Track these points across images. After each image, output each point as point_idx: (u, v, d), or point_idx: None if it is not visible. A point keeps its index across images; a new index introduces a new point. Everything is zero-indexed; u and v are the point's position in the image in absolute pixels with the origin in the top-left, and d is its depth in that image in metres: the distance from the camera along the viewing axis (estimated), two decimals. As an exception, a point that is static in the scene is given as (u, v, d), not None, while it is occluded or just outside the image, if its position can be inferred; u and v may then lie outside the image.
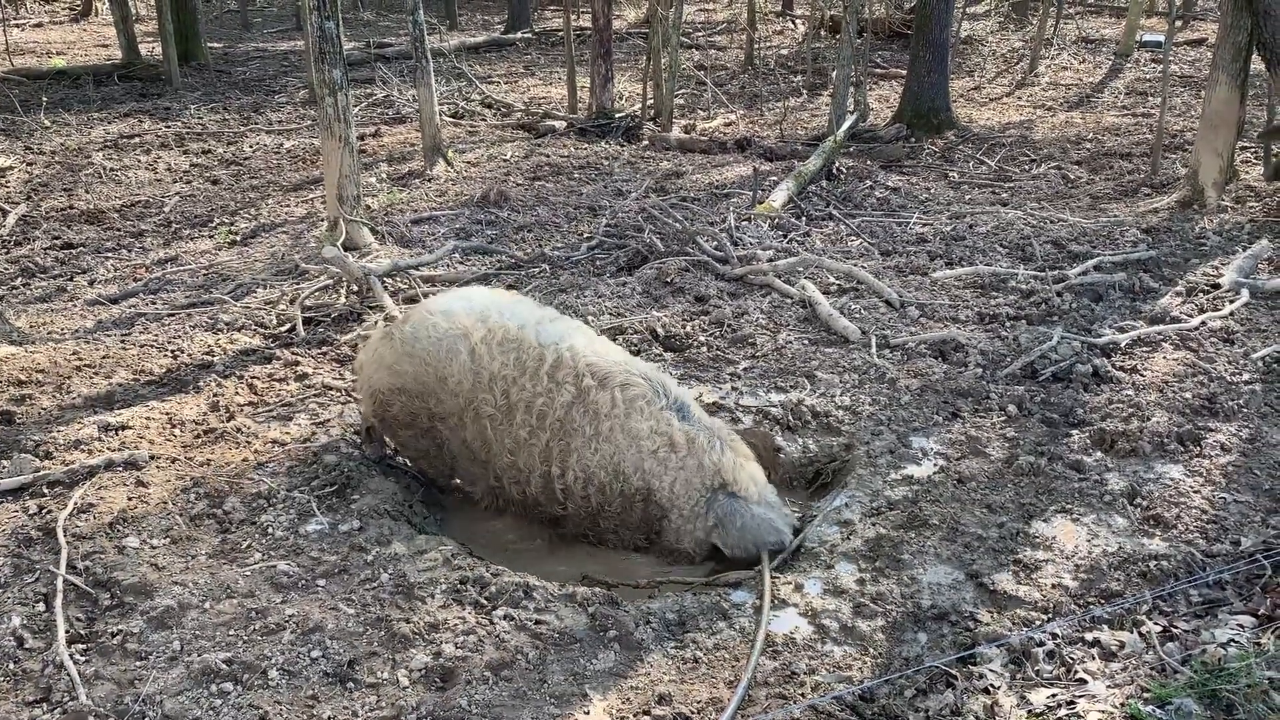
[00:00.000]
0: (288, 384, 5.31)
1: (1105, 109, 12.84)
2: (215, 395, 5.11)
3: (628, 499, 3.91)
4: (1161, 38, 13.79)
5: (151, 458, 4.44)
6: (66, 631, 3.32)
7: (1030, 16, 18.34)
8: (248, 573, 3.66)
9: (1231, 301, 6.05)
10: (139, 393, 5.19)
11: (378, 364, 4.28)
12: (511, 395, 3.98)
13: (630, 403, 3.93)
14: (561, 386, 3.94)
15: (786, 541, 3.90)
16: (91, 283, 7.30)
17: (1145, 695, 2.99)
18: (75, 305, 6.77)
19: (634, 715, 3.05)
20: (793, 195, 8.75)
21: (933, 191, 9.40)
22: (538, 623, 3.45)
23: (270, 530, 3.94)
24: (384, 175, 10.12)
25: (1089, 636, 3.30)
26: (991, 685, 3.11)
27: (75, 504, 4.04)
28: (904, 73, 12.84)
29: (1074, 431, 4.72)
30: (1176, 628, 3.33)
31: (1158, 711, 2.90)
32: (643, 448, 3.88)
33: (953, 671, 3.16)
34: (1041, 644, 3.27)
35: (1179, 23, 16.43)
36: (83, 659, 3.22)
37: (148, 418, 4.82)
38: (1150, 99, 12.90)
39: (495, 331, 4.07)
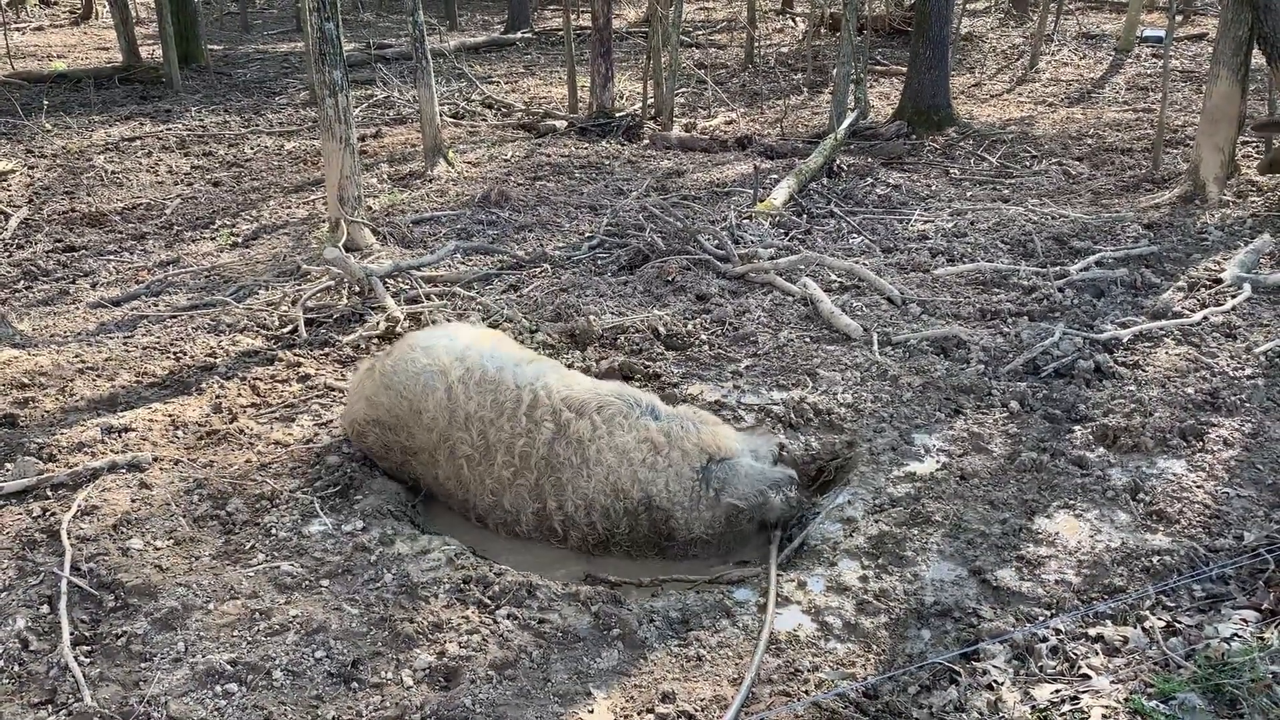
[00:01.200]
0: (290, 385, 5.32)
1: (1106, 104, 12.82)
2: (218, 397, 5.11)
3: (633, 514, 3.92)
4: (1162, 33, 13.78)
5: (154, 459, 4.45)
6: (71, 633, 3.33)
7: (1030, 12, 18.32)
8: (251, 573, 3.67)
9: (1233, 296, 6.04)
10: (142, 395, 5.20)
11: (358, 395, 4.38)
12: (490, 436, 4.03)
13: (610, 421, 4.01)
14: (541, 425, 4.00)
15: (794, 475, 4.08)
16: (94, 285, 7.31)
17: (1149, 690, 2.99)
18: (78, 308, 6.78)
19: (638, 713, 3.06)
20: (794, 193, 8.74)
21: (934, 188, 9.40)
22: (541, 622, 3.46)
23: (273, 531, 3.94)
24: (385, 176, 10.12)
25: (1092, 632, 3.30)
26: (995, 681, 3.11)
27: (79, 506, 4.04)
28: (904, 69, 12.83)
29: (1076, 427, 4.72)
30: (1180, 623, 3.33)
31: (1161, 706, 2.90)
32: (633, 459, 3.94)
33: (956, 668, 3.17)
34: (1045, 639, 3.27)
35: (1179, 17, 16.41)
36: (87, 661, 3.23)
37: (151, 420, 4.83)
38: (1151, 94, 12.89)
39: (473, 371, 4.14)
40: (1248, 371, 5.16)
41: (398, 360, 4.28)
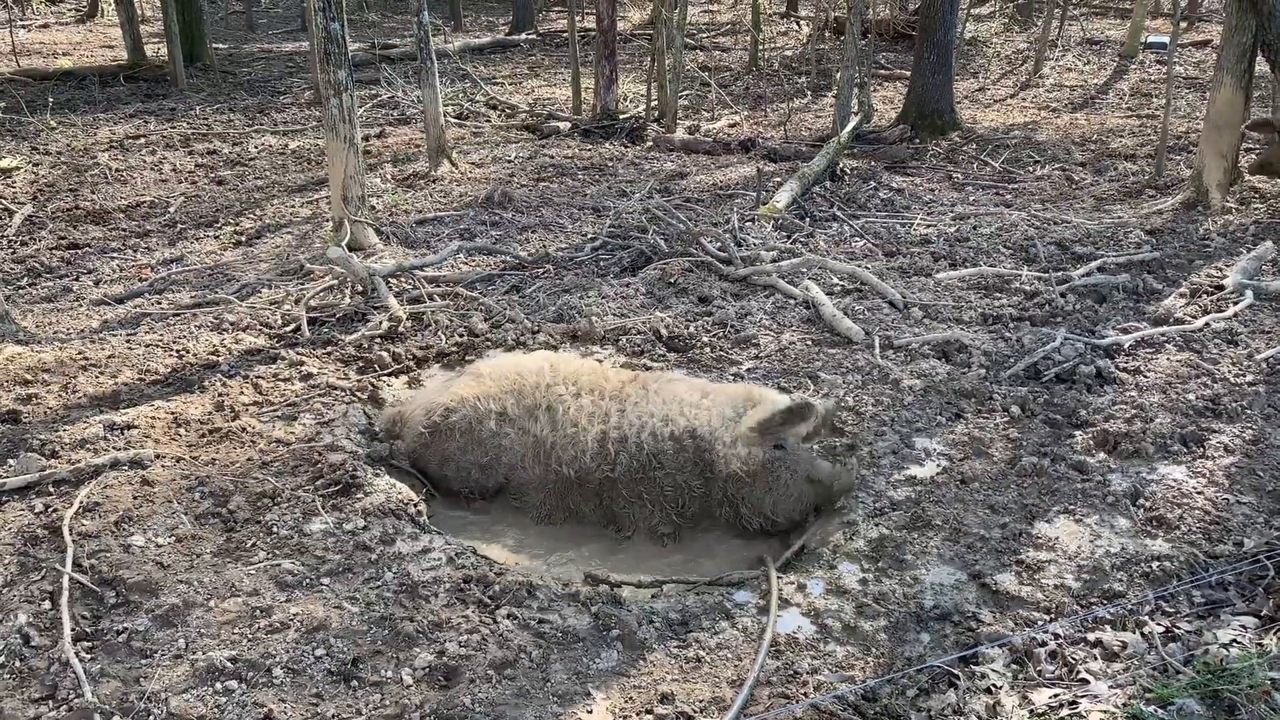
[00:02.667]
0: (292, 384, 5.33)
1: (1109, 110, 12.83)
2: (220, 395, 5.12)
3: (678, 440, 4.19)
4: (1166, 39, 13.78)
5: (157, 457, 4.46)
6: (72, 629, 3.33)
7: (1035, 18, 18.33)
8: (252, 571, 3.67)
9: (1235, 303, 6.05)
10: (144, 392, 5.20)
11: (464, 379, 4.71)
12: (581, 382, 4.50)
13: (670, 381, 4.56)
14: (619, 375, 4.60)
15: (811, 401, 4.21)
16: (97, 283, 7.32)
17: (1147, 696, 2.99)
18: (81, 305, 6.79)
19: (637, 714, 3.06)
20: (796, 196, 8.75)
21: (937, 192, 9.40)
22: (541, 622, 3.46)
23: (275, 529, 3.95)
24: (389, 176, 10.14)
25: (1091, 637, 3.31)
26: (994, 685, 3.11)
27: (81, 502, 4.05)
28: (908, 74, 12.85)
29: (1077, 432, 4.73)
30: (1179, 628, 3.33)
31: (1160, 712, 2.90)
32: (683, 400, 4.34)
33: (955, 671, 3.17)
34: (1044, 644, 3.28)
35: (1184, 24, 16.41)
36: (88, 657, 3.23)
37: (153, 417, 4.84)
38: (1155, 100, 12.90)
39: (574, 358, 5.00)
40: (1249, 378, 5.16)
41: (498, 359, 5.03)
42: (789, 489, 4.13)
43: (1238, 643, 3.18)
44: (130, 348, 5.79)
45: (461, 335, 5.97)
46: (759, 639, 3.37)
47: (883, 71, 15.47)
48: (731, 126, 12.65)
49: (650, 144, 11.63)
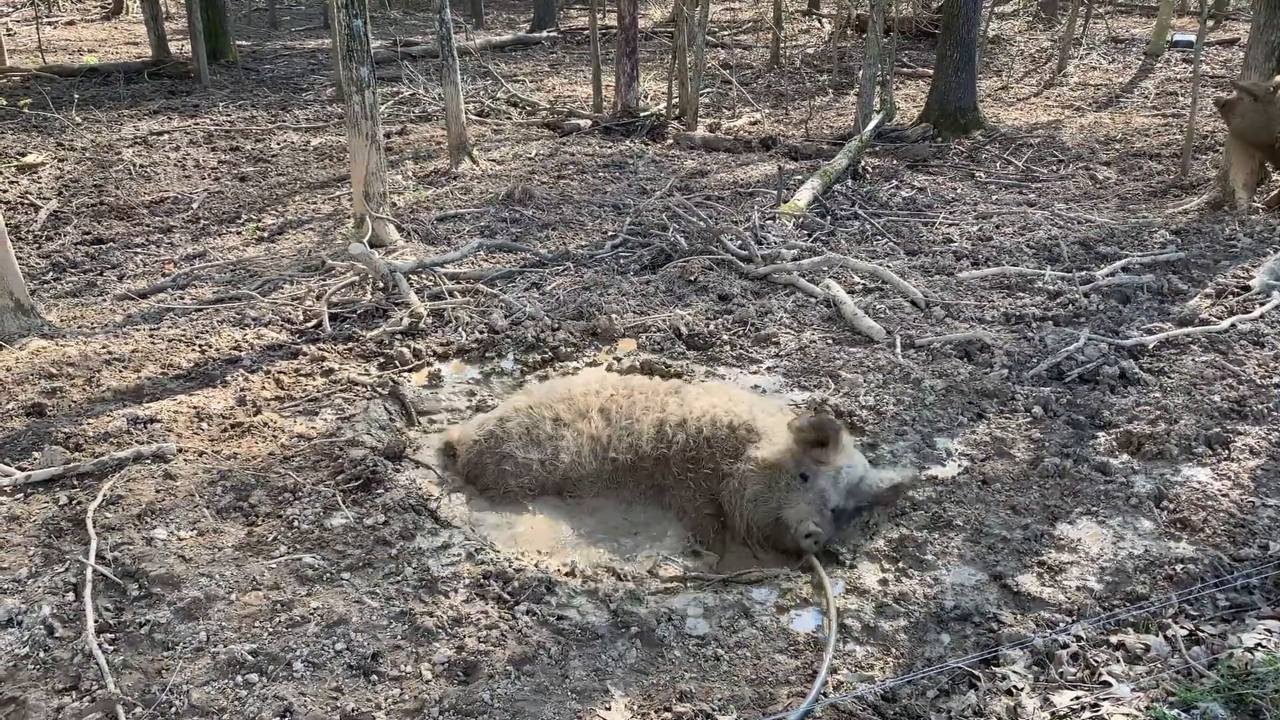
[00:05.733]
0: (314, 379, 5.35)
1: (1135, 109, 12.72)
2: (242, 389, 5.15)
3: (733, 429, 4.27)
4: (1193, 37, 13.64)
5: (179, 450, 4.49)
6: (95, 621, 3.36)
7: (1059, 16, 18.20)
8: (273, 565, 3.69)
9: (1262, 304, 5.98)
10: (167, 386, 5.24)
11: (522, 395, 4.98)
12: (633, 384, 4.73)
13: (718, 389, 4.79)
14: (672, 383, 4.82)
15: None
16: (121, 278, 7.38)
17: (1170, 699, 2.96)
18: (105, 300, 6.85)
19: (655, 712, 3.06)
20: (818, 194, 8.72)
21: (959, 191, 9.35)
22: (560, 618, 3.47)
23: (296, 523, 3.97)
24: (410, 173, 10.17)
25: (1113, 639, 3.28)
26: (1014, 687, 3.09)
27: (104, 495, 4.08)
28: (931, 72, 12.78)
29: (1100, 433, 4.69)
30: (1202, 631, 3.30)
31: (1183, 716, 2.88)
32: (735, 399, 4.53)
33: (975, 672, 3.15)
34: (1065, 646, 3.25)
35: (1210, 22, 16.25)
36: (111, 648, 3.26)
37: (176, 411, 4.87)
38: (1181, 99, 12.78)
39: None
40: (1275, 380, 5.10)
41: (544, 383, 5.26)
42: (770, 511, 4.02)
43: (1263, 646, 3.14)
44: (153, 342, 5.84)
45: (482, 332, 5.98)
46: (826, 634, 3.36)
47: (905, 69, 15.39)
48: (752, 124, 12.61)
49: (671, 142, 11.61)
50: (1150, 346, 5.49)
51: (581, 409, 4.54)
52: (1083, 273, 6.68)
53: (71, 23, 22.93)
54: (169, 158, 10.91)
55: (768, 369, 5.47)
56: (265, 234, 8.32)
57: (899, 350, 5.60)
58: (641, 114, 12.34)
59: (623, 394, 4.61)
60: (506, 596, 3.58)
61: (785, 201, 8.48)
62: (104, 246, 8.13)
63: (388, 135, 11.36)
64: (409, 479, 4.40)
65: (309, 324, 6.11)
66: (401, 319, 6.04)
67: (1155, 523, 3.97)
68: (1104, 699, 3.00)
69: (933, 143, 11.22)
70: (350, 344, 5.82)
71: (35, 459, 4.39)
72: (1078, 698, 3.02)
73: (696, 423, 4.33)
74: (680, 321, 5.98)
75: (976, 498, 4.20)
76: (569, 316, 6.16)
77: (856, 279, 6.72)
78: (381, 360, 5.63)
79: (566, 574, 3.78)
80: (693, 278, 6.77)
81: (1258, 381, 5.09)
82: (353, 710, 3.02)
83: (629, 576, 3.81)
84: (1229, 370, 5.21)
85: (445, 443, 4.85)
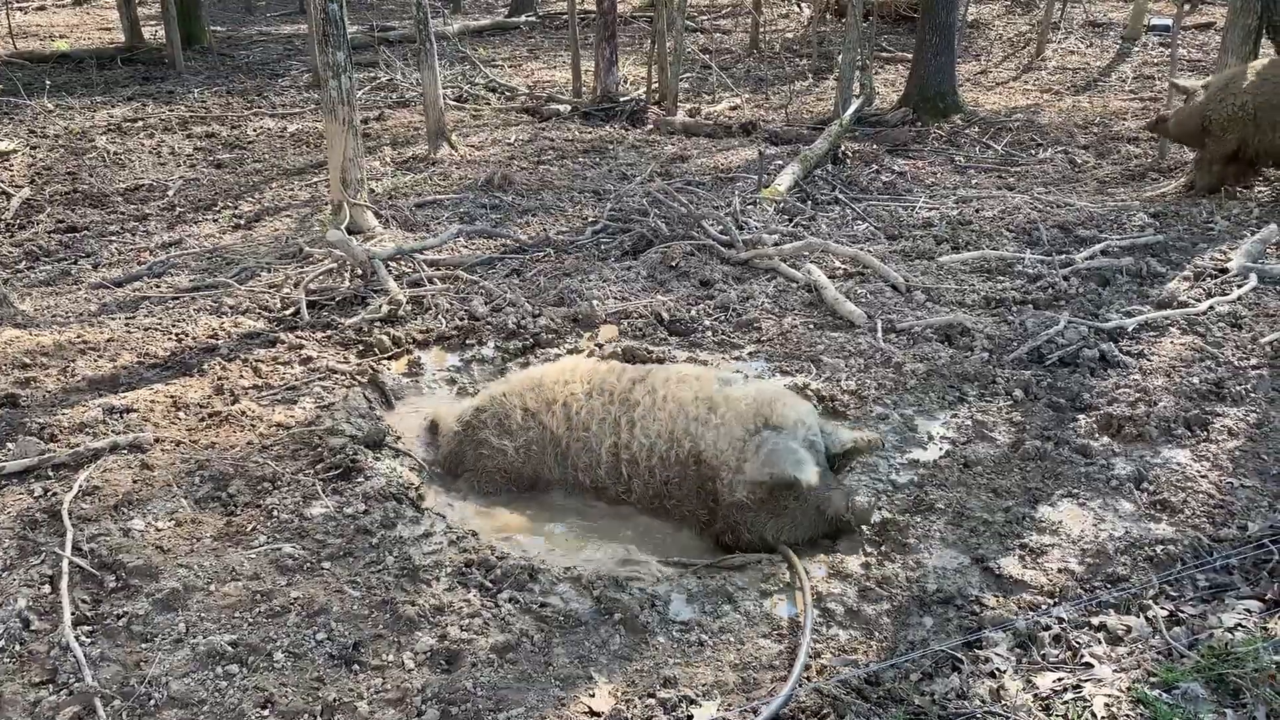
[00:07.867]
0: (292, 367, 5.31)
1: (1112, 93, 12.76)
2: (220, 378, 5.10)
3: (683, 464, 3.97)
4: (1170, 21, 13.71)
5: (156, 440, 4.44)
6: (72, 613, 3.32)
7: (1037, 0, 18.22)
8: (253, 555, 3.66)
9: (1239, 286, 6.02)
10: (143, 375, 5.18)
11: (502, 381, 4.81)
12: (593, 381, 4.36)
13: (681, 378, 4.20)
14: (629, 373, 4.36)
15: (803, 478, 3.61)
16: (95, 266, 7.29)
17: (1152, 679, 2.98)
18: (79, 288, 6.76)
19: (639, 698, 3.05)
20: (798, 179, 8.71)
21: (939, 176, 9.36)
22: (543, 605, 3.45)
23: (275, 513, 3.93)
24: (388, 159, 10.09)
25: (1095, 621, 3.30)
26: (997, 669, 3.10)
27: (80, 486, 4.03)
28: (910, 56, 12.77)
29: (1080, 416, 4.71)
30: (1183, 612, 3.32)
31: (1164, 696, 2.89)
32: (687, 413, 4.02)
33: (958, 655, 3.16)
34: (1047, 628, 3.27)
35: (1187, 6, 16.31)
36: (88, 641, 3.22)
37: (152, 400, 4.82)
38: (1158, 83, 12.82)
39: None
40: (1253, 361, 5.14)
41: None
42: (796, 518, 3.85)
43: (1242, 627, 3.17)
44: (129, 331, 5.77)
45: (462, 319, 5.94)
46: (802, 618, 3.36)
47: (885, 54, 15.38)
48: (732, 109, 12.58)
49: (651, 127, 11.56)
50: (1129, 329, 5.52)
51: (549, 399, 4.36)
52: (1062, 256, 6.70)
53: (43, 7, 22.61)
54: (143, 145, 10.78)
55: (749, 354, 5.46)
56: (242, 221, 8.23)
57: (880, 335, 5.61)
58: (621, 99, 12.28)
59: (584, 389, 4.33)
60: (489, 584, 3.56)
61: (766, 187, 8.46)
62: (78, 235, 8.02)
63: (365, 121, 11.26)
64: (389, 467, 4.37)
65: (287, 312, 6.05)
66: (380, 306, 5.99)
67: (1135, 504, 4.00)
68: (1086, 680, 3.01)
69: (912, 127, 11.22)
70: (329, 332, 5.77)
71: (9, 450, 4.33)
72: (1060, 679, 3.03)
73: (647, 461, 4.04)
74: (662, 307, 5.96)
75: (958, 481, 4.21)
76: (550, 303, 6.13)
77: (837, 264, 6.72)
78: (360, 348, 5.59)
79: (549, 561, 3.77)
80: (674, 263, 6.75)
81: (1235, 363, 5.12)
82: (334, 700, 3.00)
83: (612, 563, 3.80)
84: (1207, 352, 5.24)
85: (430, 420, 4.82)
